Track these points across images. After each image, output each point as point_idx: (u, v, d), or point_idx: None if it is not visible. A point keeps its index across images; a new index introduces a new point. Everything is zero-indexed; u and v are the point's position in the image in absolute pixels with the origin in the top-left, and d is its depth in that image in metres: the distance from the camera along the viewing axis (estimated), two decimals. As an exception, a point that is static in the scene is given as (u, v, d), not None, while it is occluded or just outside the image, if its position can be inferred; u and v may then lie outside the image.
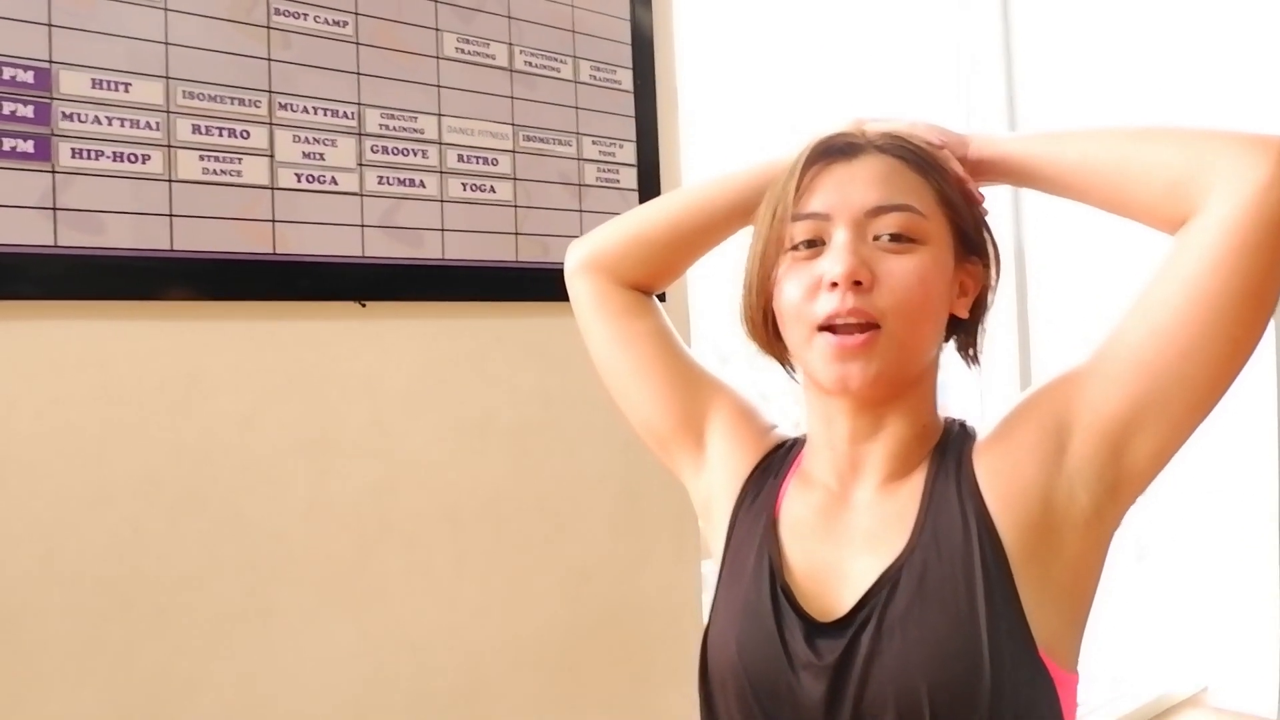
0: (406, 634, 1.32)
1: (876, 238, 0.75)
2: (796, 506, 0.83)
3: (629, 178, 1.55)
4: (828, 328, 0.74)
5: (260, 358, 1.22)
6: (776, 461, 0.88)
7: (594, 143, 1.52)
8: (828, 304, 0.74)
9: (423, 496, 1.34)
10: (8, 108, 1.05)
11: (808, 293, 0.75)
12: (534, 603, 1.44)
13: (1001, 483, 0.75)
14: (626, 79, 1.57)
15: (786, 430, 0.92)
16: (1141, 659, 2.81)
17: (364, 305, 1.29)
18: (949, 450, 0.79)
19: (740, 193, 0.88)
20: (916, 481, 0.79)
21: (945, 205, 0.77)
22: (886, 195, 0.75)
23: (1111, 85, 2.60)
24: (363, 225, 1.29)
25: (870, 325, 0.73)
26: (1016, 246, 2.39)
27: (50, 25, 1.08)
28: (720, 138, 1.82)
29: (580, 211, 1.49)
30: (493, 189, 1.41)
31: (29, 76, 1.06)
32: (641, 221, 0.94)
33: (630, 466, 1.52)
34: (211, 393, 1.18)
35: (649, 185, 1.57)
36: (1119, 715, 2.57)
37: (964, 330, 0.84)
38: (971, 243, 0.80)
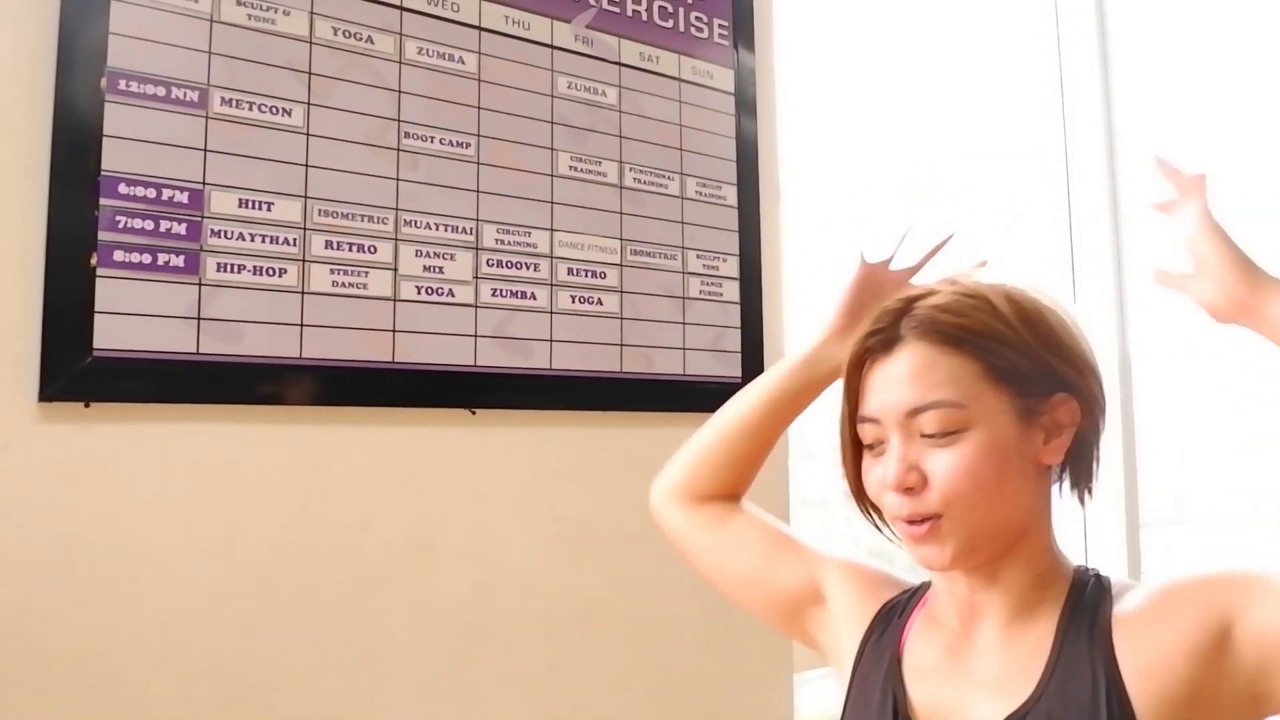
0: (500, 739, 1.33)
1: (924, 435, 0.77)
2: (920, 645, 0.84)
3: (731, 290, 1.59)
4: None
5: (375, 461, 1.27)
6: (901, 603, 0.89)
7: (698, 256, 1.56)
8: (893, 504, 0.78)
9: (521, 602, 1.37)
10: (164, 225, 1.14)
11: (880, 489, 0.79)
12: (626, 712, 1.43)
13: (1144, 657, 0.74)
14: (731, 194, 1.62)
15: (910, 579, 0.93)
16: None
17: (474, 413, 1.34)
18: (1083, 606, 0.79)
19: (773, 398, 0.96)
20: (1045, 631, 0.78)
21: (993, 375, 0.77)
22: (920, 394, 0.76)
23: (1212, 119, 2.59)
24: (476, 335, 1.35)
25: (930, 517, 0.76)
26: (1122, 360, 2.35)
27: (205, 150, 1.17)
28: (824, 247, 1.85)
29: (683, 324, 1.53)
30: (600, 301, 1.45)
31: (184, 197, 1.15)
32: (700, 448, 1.02)
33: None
34: (328, 495, 1.24)
35: (751, 298, 1.60)
36: None
37: (1070, 468, 0.83)
38: (1044, 388, 0.78)
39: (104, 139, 1.11)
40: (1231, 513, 2.71)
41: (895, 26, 2.13)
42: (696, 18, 1.61)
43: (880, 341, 0.80)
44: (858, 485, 0.84)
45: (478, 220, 1.36)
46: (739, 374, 1.57)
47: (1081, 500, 0.85)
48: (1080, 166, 2.36)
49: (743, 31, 1.66)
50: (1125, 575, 1.09)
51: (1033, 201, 2.36)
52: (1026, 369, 0.77)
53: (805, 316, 1.68)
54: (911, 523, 0.76)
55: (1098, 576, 0.82)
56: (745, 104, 1.65)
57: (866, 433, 0.80)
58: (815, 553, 0.96)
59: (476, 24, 1.39)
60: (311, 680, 1.20)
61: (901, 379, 0.77)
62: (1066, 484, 0.84)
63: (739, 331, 1.60)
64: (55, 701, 1.06)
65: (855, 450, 0.83)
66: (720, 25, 1.64)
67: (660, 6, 1.57)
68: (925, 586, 0.90)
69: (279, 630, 1.18)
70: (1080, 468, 0.83)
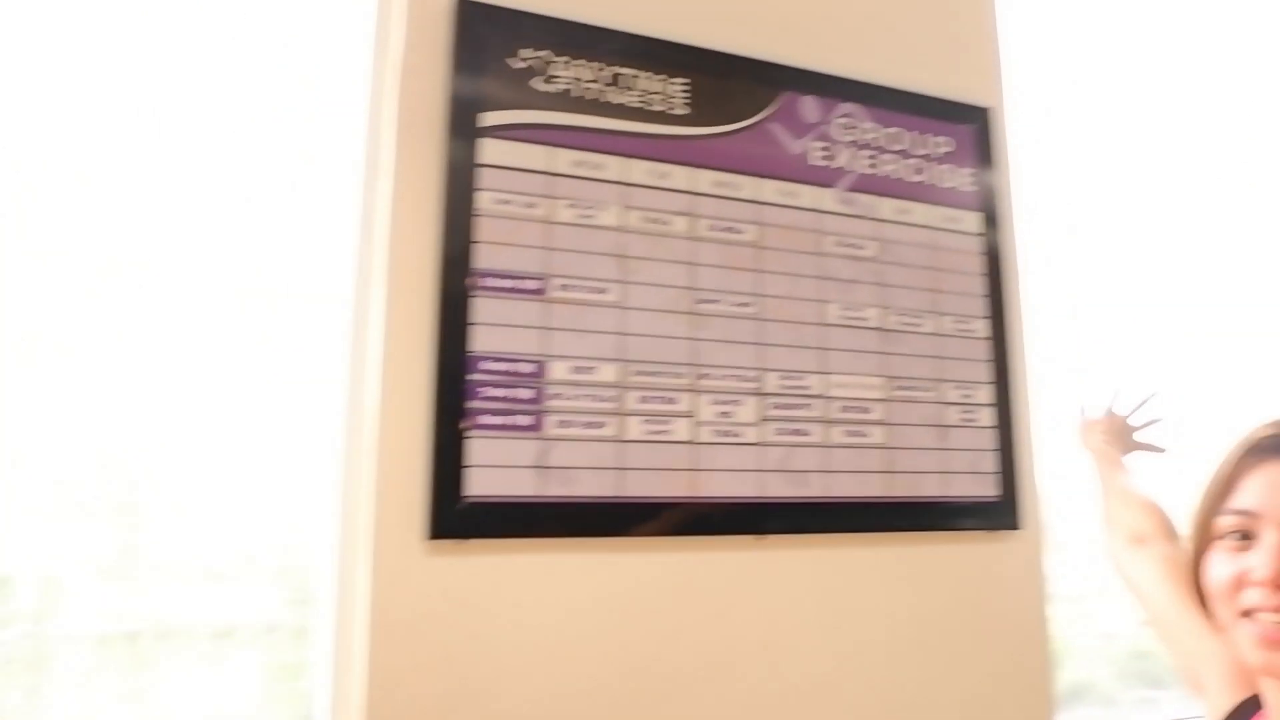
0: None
1: None
2: None
3: (987, 417, 1.71)
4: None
5: (677, 584, 1.47)
6: None
7: (956, 387, 1.70)
8: (1258, 599, 0.78)
9: (803, 710, 1.52)
10: (517, 392, 1.40)
11: (1239, 584, 0.80)
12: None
13: None
14: (982, 327, 1.75)
15: None
16: None
17: (760, 538, 1.52)
18: None
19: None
20: None
21: None
22: None
23: None
24: (761, 470, 1.53)
25: None
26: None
27: (548, 329, 1.43)
28: (1071, 373, 1.94)
29: (944, 449, 1.66)
30: (867, 433, 1.61)
31: (531, 368, 1.41)
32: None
33: (984, 682, 1.62)
34: (643, 612, 1.44)
35: (1005, 423, 1.72)
36: None
37: None
38: None
39: (469, 326, 1.39)
40: None
41: (1134, 147, 2.21)
42: (944, 169, 1.77)
43: (1276, 442, 0.82)
44: (1194, 567, 0.85)
45: (760, 369, 1.56)
46: (998, 493, 1.68)
47: None
48: None
49: (987, 176, 1.81)
50: None
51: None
52: None
53: (1053, 431, 1.77)
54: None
55: None
56: (991, 242, 1.78)
57: (1228, 524, 0.81)
58: None
59: (755, 199, 1.61)
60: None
61: None
62: None
63: (996, 453, 1.71)
64: (441, 786, 1.31)
65: (1201, 544, 0.84)
66: (967, 174, 1.79)
67: (911, 164, 1.75)
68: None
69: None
70: None
